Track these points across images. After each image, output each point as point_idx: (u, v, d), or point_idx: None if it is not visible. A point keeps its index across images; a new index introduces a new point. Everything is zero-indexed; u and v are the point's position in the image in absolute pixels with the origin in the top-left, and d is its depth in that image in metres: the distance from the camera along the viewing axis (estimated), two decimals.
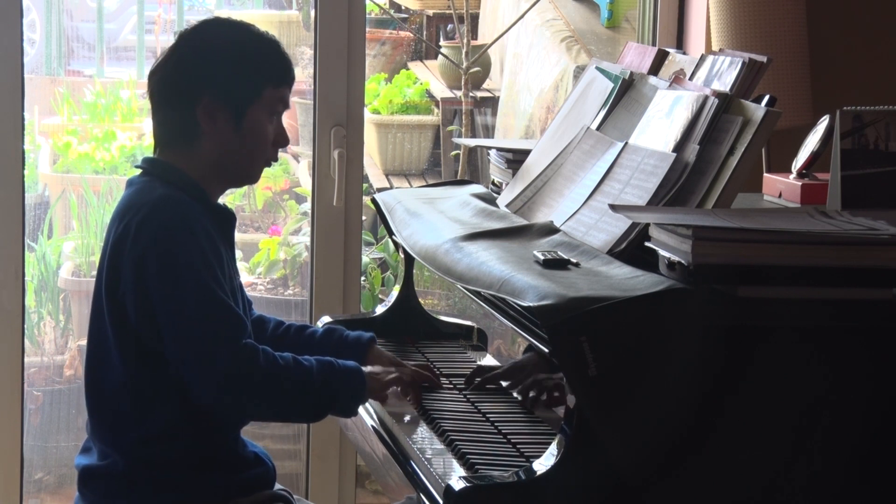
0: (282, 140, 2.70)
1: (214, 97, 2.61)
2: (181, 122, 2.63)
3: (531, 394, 2.74)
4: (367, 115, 5.01)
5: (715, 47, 3.75)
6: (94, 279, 2.67)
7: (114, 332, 2.60)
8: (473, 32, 5.47)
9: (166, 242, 2.52)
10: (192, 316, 2.49)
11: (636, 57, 2.94)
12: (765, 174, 3.11)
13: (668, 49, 2.92)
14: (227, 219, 2.70)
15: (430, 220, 2.85)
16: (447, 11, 5.57)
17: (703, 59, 2.73)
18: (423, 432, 2.60)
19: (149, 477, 2.61)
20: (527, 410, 2.70)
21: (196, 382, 2.50)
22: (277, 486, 2.76)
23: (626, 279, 2.28)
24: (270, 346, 2.76)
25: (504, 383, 2.83)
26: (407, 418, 2.68)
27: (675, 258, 2.22)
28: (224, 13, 5.10)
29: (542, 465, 2.18)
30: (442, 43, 5.75)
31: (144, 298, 2.53)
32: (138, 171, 2.69)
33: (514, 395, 2.76)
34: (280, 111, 2.68)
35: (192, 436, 2.61)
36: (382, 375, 2.69)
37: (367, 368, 2.67)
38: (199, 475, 2.62)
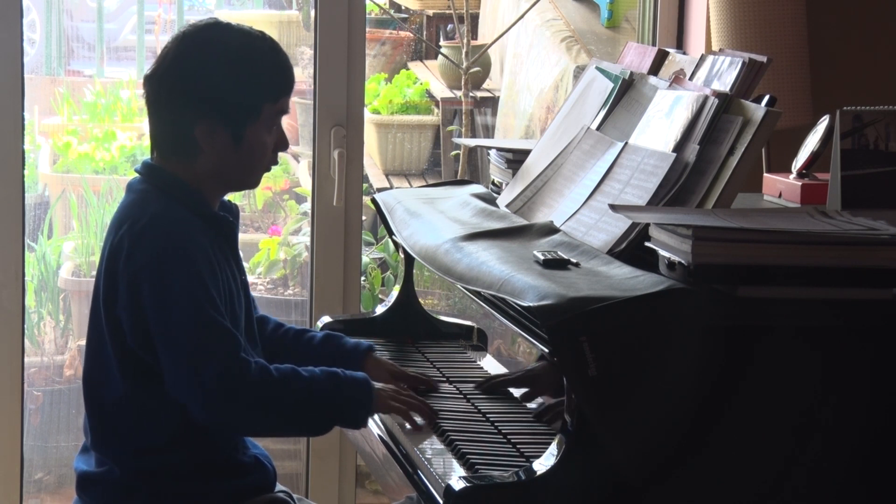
0: (282, 145, 2.67)
1: (213, 119, 2.57)
2: (180, 137, 2.59)
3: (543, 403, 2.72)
4: (367, 115, 5.01)
5: (715, 47, 3.75)
6: (93, 285, 2.66)
7: (113, 346, 2.58)
8: (473, 32, 5.47)
9: (159, 263, 2.50)
10: (181, 336, 2.47)
11: (636, 57, 2.94)
12: (765, 174, 3.11)
13: (668, 49, 2.93)
14: (229, 225, 2.68)
15: (430, 220, 2.85)
16: (447, 11, 5.57)
17: (703, 59, 2.73)
18: (422, 432, 2.60)
19: (146, 485, 2.60)
20: (528, 411, 2.70)
21: (188, 401, 2.49)
22: (278, 487, 2.76)
23: (626, 279, 2.28)
24: (267, 346, 2.74)
25: (516, 392, 2.82)
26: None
27: (675, 258, 2.22)
28: (224, 13, 5.11)
29: (542, 465, 2.18)
30: (442, 43, 5.75)
31: (140, 317, 2.51)
32: (137, 174, 2.67)
33: (529, 405, 2.73)
34: (279, 120, 2.66)
35: (191, 446, 2.60)
36: (388, 398, 2.61)
37: (379, 385, 2.62)
38: (198, 483, 2.61)
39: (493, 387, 2.82)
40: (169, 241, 2.52)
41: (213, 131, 2.58)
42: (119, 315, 2.55)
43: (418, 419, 2.61)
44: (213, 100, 2.57)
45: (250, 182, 2.72)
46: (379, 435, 2.67)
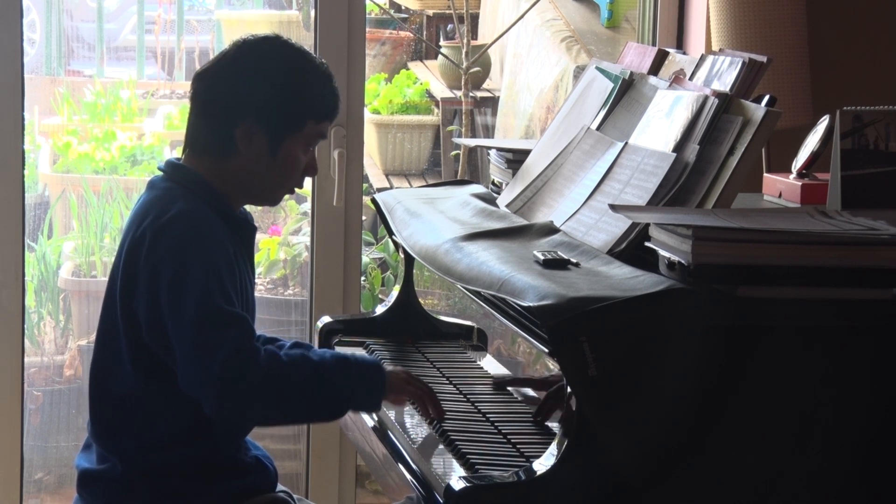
0: (311, 170, 2.70)
1: (256, 122, 2.60)
2: (218, 135, 2.62)
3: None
4: (367, 115, 5.01)
5: (715, 47, 3.75)
6: (97, 284, 2.66)
7: (127, 341, 2.58)
8: (473, 32, 5.48)
9: (180, 255, 2.51)
10: (192, 327, 2.47)
11: (636, 57, 2.95)
12: (765, 174, 3.11)
13: (668, 49, 2.93)
14: (248, 229, 2.70)
15: (430, 220, 2.85)
16: (447, 11, 5.57)
17: (703, 59, 2.73)
18: (423, 432, 2.60)
19: (147, 483, 2.61)
20: (528, 411, 2.70)
21: (198, 393, 2.48)
22: (279, 487, 2.76)
23: (626, 279, 2.28)
24: None
25: (533, 392, 2.82)
26: (407, 418, 2.68)
27: (675, 258, 2.22)
28: (224, 13, 5.11)
29: (542, 465, 2.18)
30: (442, 43, 5.75)
31: (156, 310, 2.52)
32: (160, 172, 2.68)
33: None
34: (316, 143, 2.68)
35: (194, 445, 2.60)
36: (403, 381, 2.62)
37: (390, 368, 2.63)
38: (199, 482, 2.61)
39: (507, 384, 2.83)
40: (191, 236, 2.54)
41: (253, 134, 2.61)
42: (136, 308, 2.55)
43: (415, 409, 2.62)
44: (260, 103, 2.60)
45: (273, 197, 2.74)
46: (378, 433, 2.68)
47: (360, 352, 3.09)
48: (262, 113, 2.60)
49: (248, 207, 2.75)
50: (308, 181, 4.17)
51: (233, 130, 2.61)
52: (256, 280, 4.61)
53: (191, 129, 2.68)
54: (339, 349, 2.95)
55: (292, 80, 2.62)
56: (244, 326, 2.50)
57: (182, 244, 2.52)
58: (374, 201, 3.17)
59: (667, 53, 2.89)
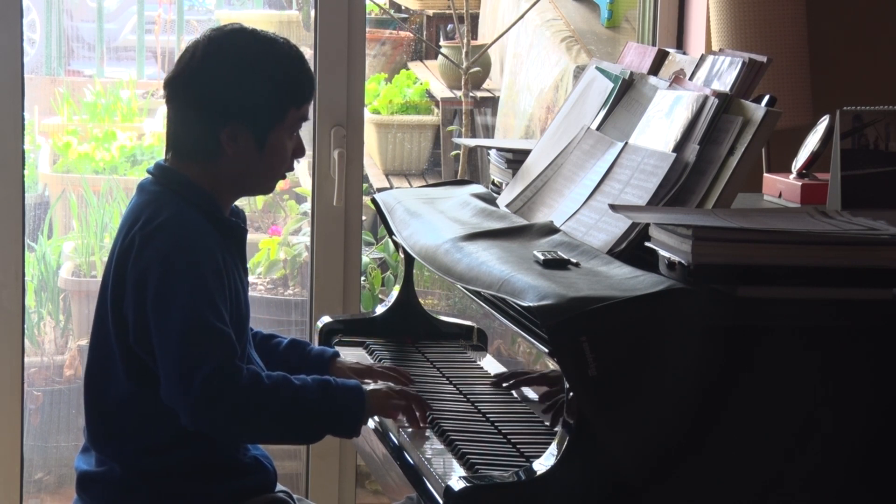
0: (300, 152, 2.68)
1: (239, 122, 2.58)
2: (202, 140, 2.60)
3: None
4: (367, 115, 5.01)
5: (715, 47, 3.75)
6: (97, 284, 2.65)
7: (119, 346, 2.58)
8: (473, 32, 5.47)
9: (166, 264, 2.50)
10: (176, 339, 2.47)
11: (636, 57, 2.95)
12: (765, 174, 3.11)
13: (668, 49, 2.93)
14: (239, 232, 2.69)
15: (430, 220, 2.85)
16: (447, 11, 5.57)
17: (703, 59, 2.73)
18: (422, 432, 2.60)
19: (146, 485, 2.60)
20: (528, 411, 2.70)
21: (176, 405, 2.48)
22: (278, 487, 2.76)
23: (626, 279, 2.28)
24: None
25: (533, 391, 2.83)
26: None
27: (675, 258, 2.22)
28: (224, 13, 5.11)
29: (542, 464, 2.18)
30: (442, 43, 5.75)
31: (142, 317, 2.51)
32: (149, 175, 2.66)
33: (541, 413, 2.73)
34: (300, 126, 2.67)
35: (192, 446, 2.59)
36: (384, 398, 2.61)
37: (371, 386, 2.62)
38: (198, 483, 2.61)
39: (511, 383, 2.83)
40: (178, 244, 2.53)
41: (238, 134, 2.59)
42: (126, 313, 2.55)
43: (405, 421, 2.61)
44: (240, 103, 2.58)
45: (267, 187, 2.73)
46: (377, 433, 2.67)
47: (359, 352, 3.10)
48: (244, 113, 2.58)
49: (245, 207, 2.74)
50: (308, 182, 4.18)
51: (217, 135, 2.59)
52: (257, 280, 4.63)
53: (172, 135, 2.65)
54: (340, 349, 2.94)
55: (267, 72, 2.59)
56: (228, 344, 2.48)
57: (168, 253, 2.51)
58: (374, 201, 3.17)
59: (667, 53, 2.89)
